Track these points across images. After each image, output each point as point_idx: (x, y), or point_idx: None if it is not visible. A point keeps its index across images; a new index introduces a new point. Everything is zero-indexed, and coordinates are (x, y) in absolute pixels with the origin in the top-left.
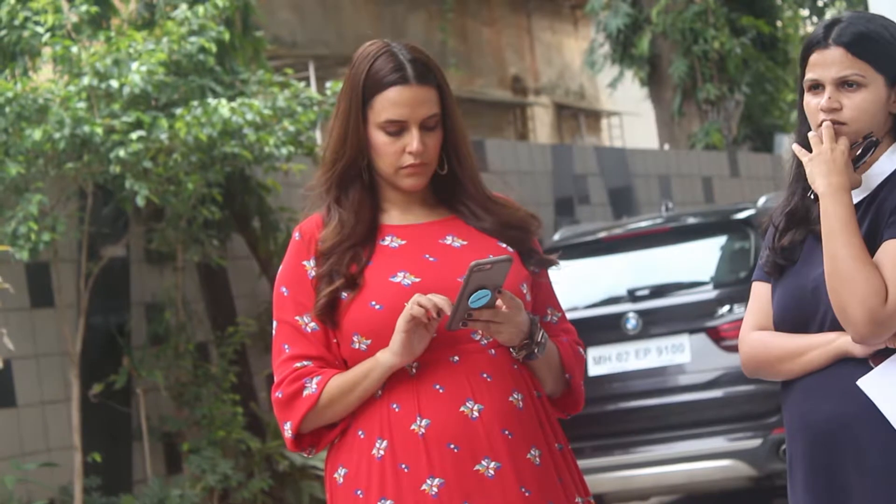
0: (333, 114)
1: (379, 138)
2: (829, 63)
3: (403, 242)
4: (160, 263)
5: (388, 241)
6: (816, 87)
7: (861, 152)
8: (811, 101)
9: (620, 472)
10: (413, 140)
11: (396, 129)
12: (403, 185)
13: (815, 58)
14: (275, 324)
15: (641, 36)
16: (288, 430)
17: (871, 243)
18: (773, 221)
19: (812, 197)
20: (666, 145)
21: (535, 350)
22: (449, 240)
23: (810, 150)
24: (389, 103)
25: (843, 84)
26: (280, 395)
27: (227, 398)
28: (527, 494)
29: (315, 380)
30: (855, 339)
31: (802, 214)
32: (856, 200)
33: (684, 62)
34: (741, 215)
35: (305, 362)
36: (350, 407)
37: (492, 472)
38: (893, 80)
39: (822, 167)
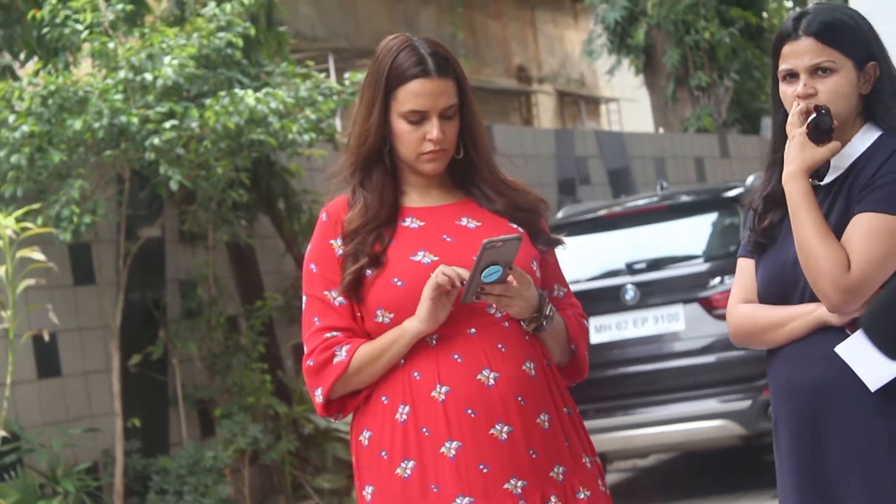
0: (357, 103)
1: (401, 126)
2: (801, 52)
3: (423, 223)
4: (193, 243)
5: (409, 223)
6: (791, 76)
7: (815, 126)
8: (787, 90)
9: (621, 432)
10: (433, 128)
11: (418, 118)
12: (424, 169)
13: (787, 49)
14: (304, 298)
15: (637, 27)
16: (319, 396)
17: (846, 221)
18: (753, 205)
19: None
20: (660, 129)
21: (544, 322)
22: (464, 221)
23: (784, 137)
24: (412, 94)
25: (817, 71)
26: (311, 364)
27: (256, 367)
28: (534, 456)
29: (345, 348)
30: (829, 308)
31: (779, 197)
32: (828, 180)
33: (677, 51)
34: (731, 193)
35: (335, 333)
36: (377, 374)
37: (505, 435)
38: (861, 64)
39: (786, 157)
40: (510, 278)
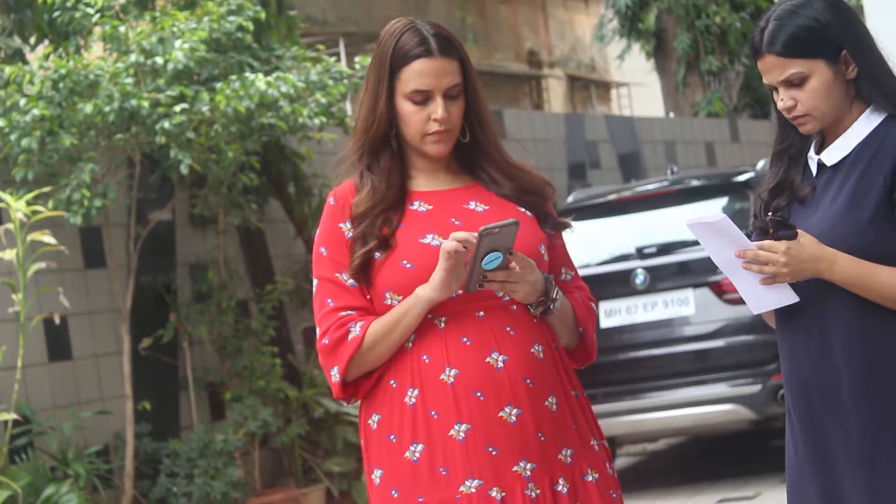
0: (363, 87)
1: (406, 107)
2: (769, 69)
3: (431, 207)
4: (203, 226)
5: (417, 206)
6: (774, 89)
7: (778, 227)
8: (776, 101)
9: (631, 416)
10: (438, 108)
11: (422, 98)
12: (429, 151)
13: (759, 65)
14: (315, 281)
15: (648, 11)
16: (335, 375)
17: (861, 198)
18: (761, 195)
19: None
20: (671, 113)
21: (551, 306)
22: (472, 205)
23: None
24: (415, 74)
25: (789, 83)
26: (327, 342)
27: (267, 350)
28: (542, 439)
29: (359, 324)
30: None
31: (786, 186)
32: (838, 159)
33: (688, 36)
34: (741, 178)
35: (350, 311)
36: (392, 348)
37: (513, 418)
38: (834, 57)
39: (798, 269)
40: (512, 264)
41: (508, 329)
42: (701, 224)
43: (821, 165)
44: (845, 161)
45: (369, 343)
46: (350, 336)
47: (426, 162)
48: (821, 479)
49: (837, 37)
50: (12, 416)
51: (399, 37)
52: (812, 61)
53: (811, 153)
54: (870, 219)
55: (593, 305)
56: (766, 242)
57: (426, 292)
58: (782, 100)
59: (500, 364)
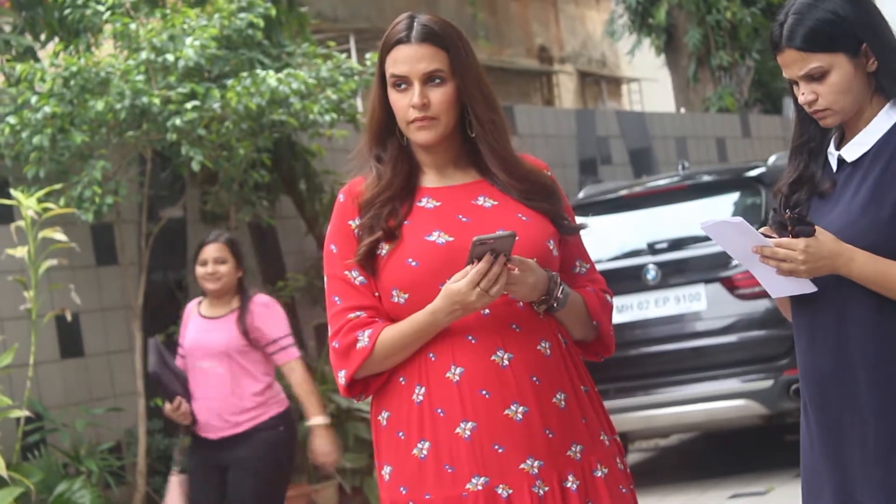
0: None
1: (392, 95)
2: (789, 64)
3: (439, 204)
4: (214, 223)
5: (425, 203)
6: (794, 83)
7: (796, 223)
8: (797, 95)
9: (643, 411)
10: (414, 94)
11: (401, 82)
12: (414, 138)
13: (779, 59)
14: (326, 279)
15: (659, 7)
16: (342, 378)
17: (879, 195)
18: (781, 189)
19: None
20: (682, 109)
21: (555, 304)
22: (481, 200)
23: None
24: (393, 60)
25: (810, 77)
26: (336, 346)
27: None
28: (550, 436)
29: (367, 333)
30: None
31: (806, 180)
32: (858, 155)
33: (699, 31)
34: (753, 173)
35: (359, 313)
36: (403, 357)
37: (520, 415)
38: (855, 51)
39: (815, 266)
40: (510, 265)
41: (514, 326)
42: (717, 224)
43: (841, 161)
44: (865, 157)
45: (380, 355)
46: (358, 345)
47: (431, 156)
48: (835, 476)
49: (857, 30)
50: (25, 413)
51: (393, 27)
52: (832, 55)
53: (831, 148)
54: (889, 215)
55: (608, 298)
56: (784, 240)
57: (440, 318)
58: (803, 94)
59: (506, 362)
